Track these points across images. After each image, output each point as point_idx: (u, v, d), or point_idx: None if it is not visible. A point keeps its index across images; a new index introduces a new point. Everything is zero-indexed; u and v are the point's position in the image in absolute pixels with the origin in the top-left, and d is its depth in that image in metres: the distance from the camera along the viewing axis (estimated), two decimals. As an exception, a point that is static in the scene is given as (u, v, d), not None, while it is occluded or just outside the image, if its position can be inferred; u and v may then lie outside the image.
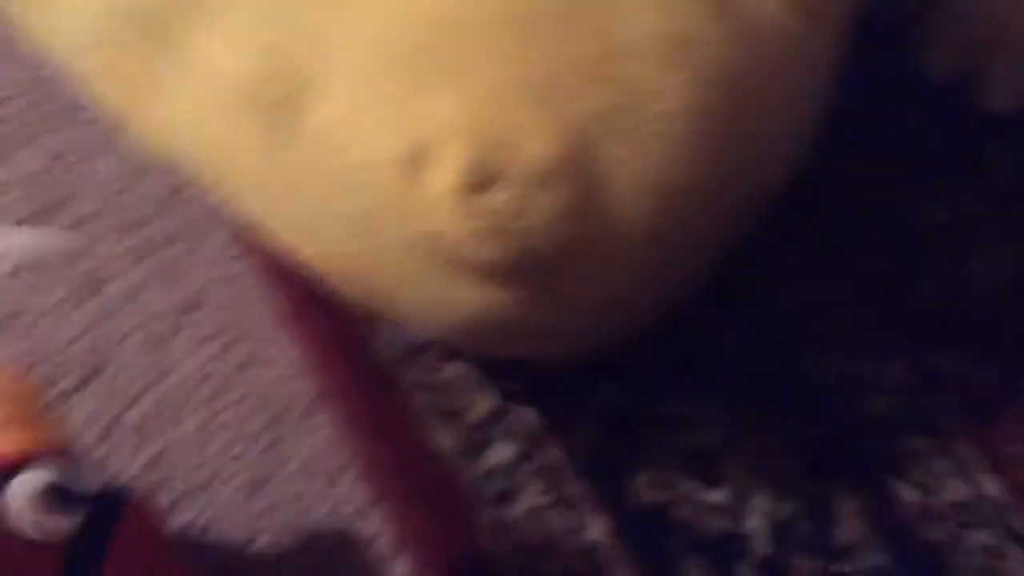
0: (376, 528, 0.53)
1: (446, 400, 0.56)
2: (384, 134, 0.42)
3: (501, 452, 0.55)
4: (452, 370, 0.57)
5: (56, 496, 0.41)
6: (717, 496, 0.54)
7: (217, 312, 0.59)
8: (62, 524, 0.41)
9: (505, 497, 0.54)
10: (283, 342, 0.58)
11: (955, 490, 0.54)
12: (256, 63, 0.43)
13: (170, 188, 0.64)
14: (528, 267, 0.43)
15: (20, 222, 0.64)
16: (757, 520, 0.53)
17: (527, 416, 0.56)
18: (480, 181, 0.41)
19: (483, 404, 0.56)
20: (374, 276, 0.47)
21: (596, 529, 0.53)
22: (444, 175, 0.41)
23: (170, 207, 0.63)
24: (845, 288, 0.58)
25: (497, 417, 0.56)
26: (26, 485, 0.41)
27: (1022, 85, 0.60)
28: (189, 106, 0.47)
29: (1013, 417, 0.55)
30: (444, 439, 0.55)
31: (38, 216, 0.64)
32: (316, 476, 0.54)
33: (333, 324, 0.58)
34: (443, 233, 0.42)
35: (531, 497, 0.54)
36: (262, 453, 0.55)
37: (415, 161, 0.42)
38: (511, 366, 0.56)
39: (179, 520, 0.54)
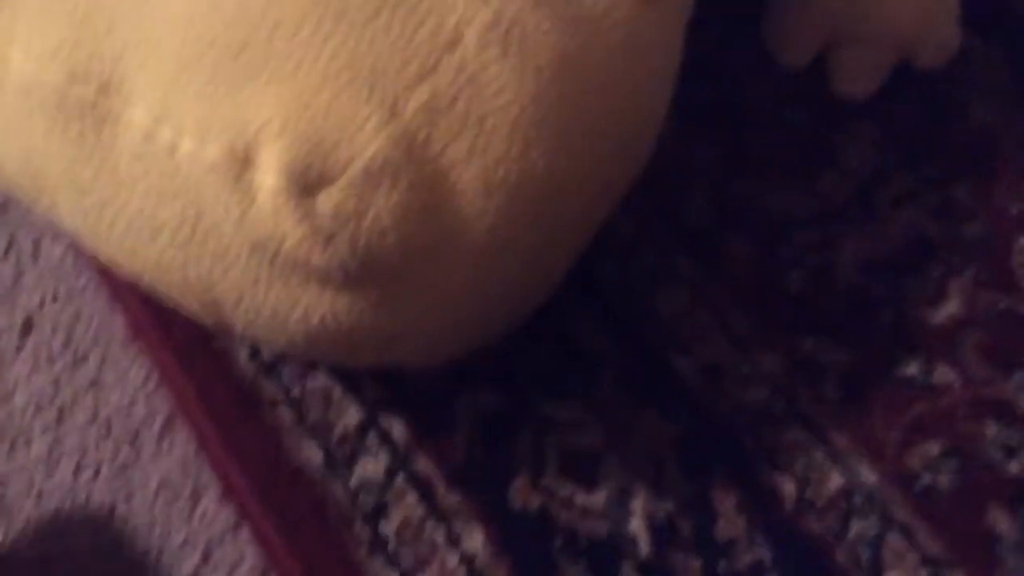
0: (239, 552, 0.50)
1: (310, 414, 0.53)
2: (200, 137, 0.39)
3: (371, 465, 0.52)
4: (314, 382, 0.54)
5: None
6: (597, 499, 0.52)
7: (59, 331, 0.55)
8: None
9: (379, 511, 0.51)
10: (131, 360, 0.54)
11: (833, 480, 0.54)
12: (54, 67, 0.40)
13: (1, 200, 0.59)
14: (368, 272, 0.40)
15: None
16: (638, 521, 0.52)
17: (396, 426, 0.53)
18: (307, 182, 0.39)
19: (350, 416, 0.53)
20: (207, 287, 0.43)
21: (474, 539, 0.51)
22: (268, 177, 0.38)
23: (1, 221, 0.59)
24: (713, 280, 0.58)
25: (365, 429, 0.53)
26: None
27: (871, 72, 0.61)
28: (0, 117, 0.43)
29: (885, 403, 0.56)
30: (311, 454, 0.52)
31: None
32: (173, 500, 0.51)
33: (182, 339, 0.55)
34: (273, 239, 0.39)
35: (405, 510, 0.51)
36: (114, 478, 0.51)
37: (235, 164, 0.39)
38: (376, 375, 0.54)
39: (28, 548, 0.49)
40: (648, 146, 0.47)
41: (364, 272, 0.40)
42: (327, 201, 0.39)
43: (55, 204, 0.45)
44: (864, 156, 0.61)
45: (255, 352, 0.54)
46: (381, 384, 0.53)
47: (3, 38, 0.42)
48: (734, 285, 0.58)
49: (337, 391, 0.53)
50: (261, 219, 0.39)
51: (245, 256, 0.41)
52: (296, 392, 0.53)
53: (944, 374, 0.56)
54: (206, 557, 0.49)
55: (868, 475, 0.53)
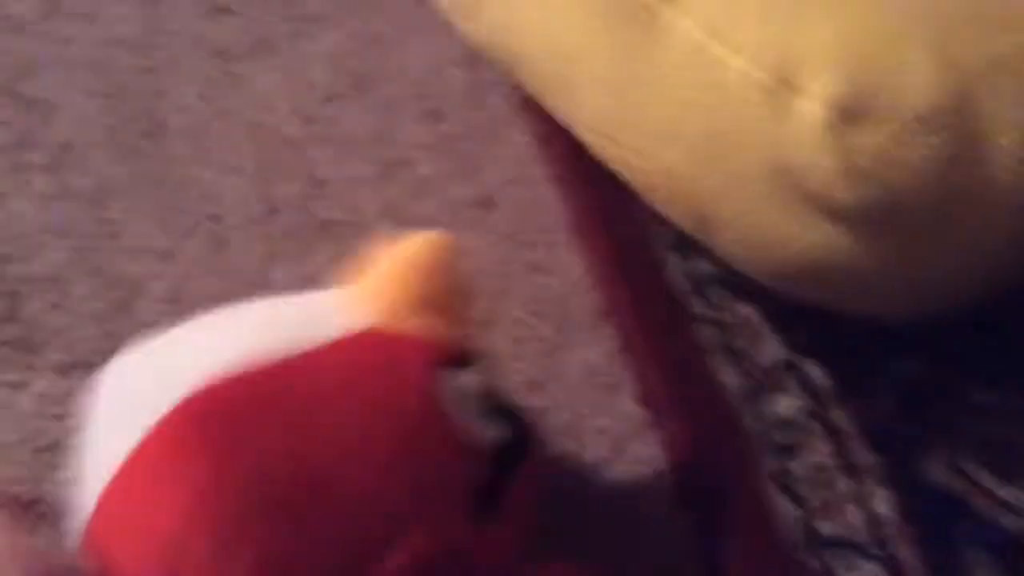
0: (649, 451, 0.52)
1: (735, 340, 0.55)
2: (751, 57, 0.40)
3: (788, 403, 0.53)
4: (741, 310, 0.55)
5: (487, 403, 0.39)
6: (1009, 493, 0.51)
7: (511, 212, 0.59)
8: (486, 433, 0.38)
9: (789, 450, 0.52)
10: (573, 251, 0.58)
11: None
12: None
13: (475, 82, 0.64)
14: (890, 218, 0.40)
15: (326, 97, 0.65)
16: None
17: (815, 372, 0.54)
18: (854, 117, 0.39)
19: (774, 352, 0.54)
20: (713, 202, 0.45)
21: (882, 502, 0.51)
22: (813, 105, 0.39)
23: (474, 101, 0.63)
24: None
25: (785, 367, 0.54)
26: (466, 384, 0.38)
27: None
28: (538, 8, 0.46)
29: None
30: (729, 379, 0.54)
31: (343, 93, 0.66)
32: (594, 388, 0.54)
33: (622, 243, 0.58)
34: (802, 167, 0.40)
35: (816, 455, 0.52)
36: (543, 357, 0.55)
37: (780, 86, 0.40)
38: (801, 317, 0.54)
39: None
40: None
41: (886, 217, 0.40)
42: (870, 140, 0.39)
43: (576, 98, 0.48)
44: None
45: (688, 269, 0.56)
46: (808, 329, 0.54)
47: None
48: None
49: (765, 325, 0.54)
50: (794, 145, 0.40)
51: (762, 180, 0.42)
52: (726, 316, 0.55)
53: None
54: (617, 448, 0.52)
55: None
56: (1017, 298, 0.52)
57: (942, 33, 0.39)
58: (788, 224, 0.42)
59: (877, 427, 0.52)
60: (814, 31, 0.40)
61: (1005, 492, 0.50)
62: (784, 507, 0.50)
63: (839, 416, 0.53)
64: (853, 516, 0.50)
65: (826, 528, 0.50)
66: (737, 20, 0.41)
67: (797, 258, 0.43)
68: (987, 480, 0.51)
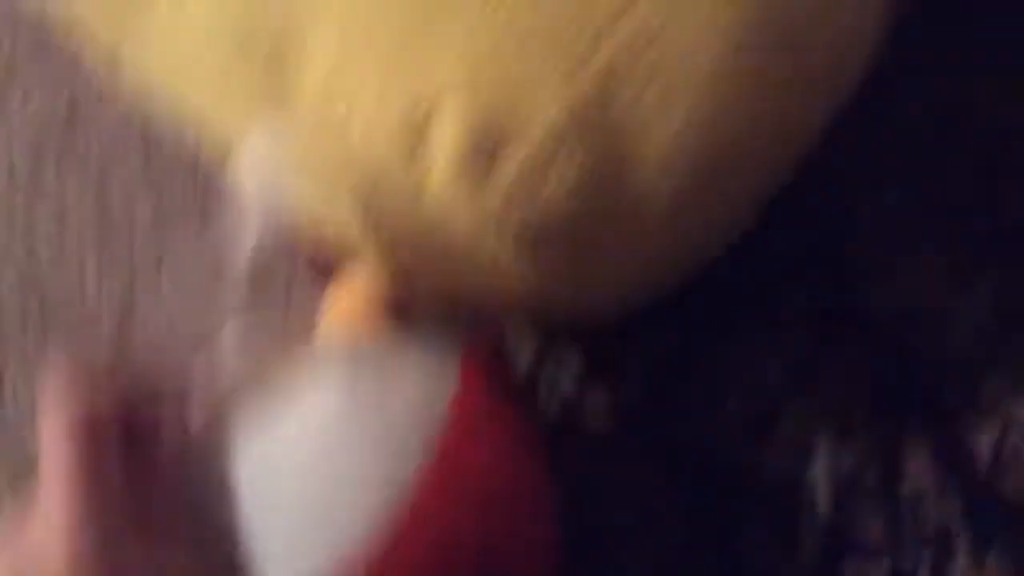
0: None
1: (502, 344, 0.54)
2: (377, 97, 0.37)
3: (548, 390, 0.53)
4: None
5: None
6: (776, 446, 0.51)
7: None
8: None
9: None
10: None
11: (1038, 436, 0.50)
12: (236, 17, 0.38)
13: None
14: (545, 236, 0.39)
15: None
16: (819, 472, 0.50)
17: (573, 362, 0.53)
18: (486, 146, 0.37)
19: (525, 354, 0.53)
20: (392, 254, 0.43)
21: (647, 479, 0.51)
22: (445, 141, 0.37)
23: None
24: (911, 210, 0.53)
25: (541, 363, 0.53)
26: None
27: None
28: (183, 57, 0.43)
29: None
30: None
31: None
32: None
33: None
34: (452, 202, 0.38)
35: (578, 459, 0.52)
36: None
37: (414, 126, 0.37)
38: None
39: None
40: (849, 85, 0.42)
41: (541, 236, 0.39)
42: (506, 165, 0.37)
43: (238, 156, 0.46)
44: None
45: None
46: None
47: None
48: (937, 213, 0.52)
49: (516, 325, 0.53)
50: (440, 183, 0.38)
51: (423, 225, 0.40)
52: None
53: None
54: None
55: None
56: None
57: (555, 47, 0.37)
58: (458, 263, 0.41)
59: (632, 407, 0.52)
60: (433, 70, 0.38)
61: (765, 446, 0.51)
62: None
63: (600, 401, 0.52)
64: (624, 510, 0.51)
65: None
66: (354, 71, 0.39)
67: (479, 292, 0.42)
68: (744, 435, 0.51)
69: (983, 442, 0.50)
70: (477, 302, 0.44)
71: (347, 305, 0.44)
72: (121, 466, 0.36)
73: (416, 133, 0.38)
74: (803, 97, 0.40)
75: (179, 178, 0.61)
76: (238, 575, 0.36)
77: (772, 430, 0.51)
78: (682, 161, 0.38)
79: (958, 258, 0.51)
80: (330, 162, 0.40)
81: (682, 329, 0.52)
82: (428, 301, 0.45)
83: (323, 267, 0.49)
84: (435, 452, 0.37)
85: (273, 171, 0.35)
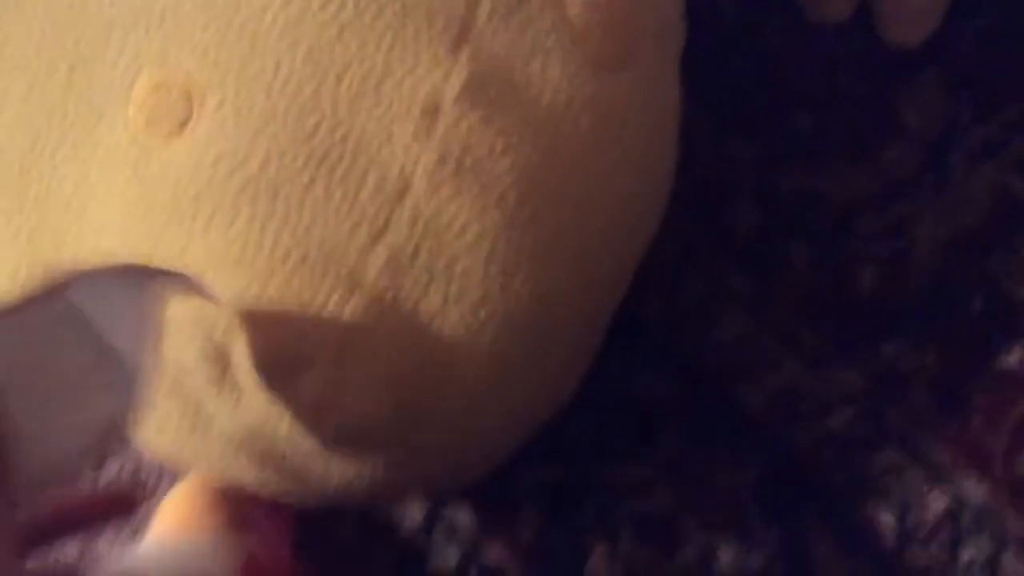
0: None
1: (375, 517, 0.53)
2: (175, 341, 0.37)
3: (442, 561, 0.51)
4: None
5: None
6: (680, 563, 0.50)
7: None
8: None
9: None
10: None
11: (936, 503, 0.49)
12: (15, 289, 0.38)
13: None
14: (367, 440, 0.38)
15: None
16: (725, 580, 0.49)
17: (461, 516, 0.52)
18: (283, 372, 0.36)
19: (414, 514, 0.52)
20: (222, 468, 0.42)
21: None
22: (246, 375, 0.37)
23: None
24: (773, 295, 0.52)
25: (431, 524, 0.52)
26: None
27: (926, 9, 0.52)
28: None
29: (986, 404, 0.50)
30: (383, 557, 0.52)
31: None
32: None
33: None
34: (268, 425, 0.38)
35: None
36: None
37: (216, 364, 0.37)
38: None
39: None
40: (655, 219, 0.42)
41: (363, 441, 0.38)
42: (308, 386, 0.37)
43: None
44: (930, 114, 0.53)
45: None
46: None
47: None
48: (797, 296, 0.52)
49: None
50: (252, 410, 0.38)
51: (248, 443, 0.39)
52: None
53: (1053, 358, 0.49)
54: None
55: (975, 491, 0.48)
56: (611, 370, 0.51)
57: (331, 259, 0.36)
58: (295, 467, 0.40)
59: (531, 546, 0.51)
60: (220, 289, 0.37)
61: (665, 565, 0.50)
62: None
63: (496, 551, 0.51)
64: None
65: None
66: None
67: (324, 487, 0.41)
68: (647, 558, 0.50)
69: (885, 520, 0.49)
70: (327, 495, 0.43)
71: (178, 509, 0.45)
72: None
73: (219, 362, 0.38)
74: (602, 242, 0.40)
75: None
76: None
77: (672, 548, 0.50)
78: (485, 334, 0.38)
79: (826, 338, 0.51)
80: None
81: (568, 460, 0.52)
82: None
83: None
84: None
85: None
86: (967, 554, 0.48)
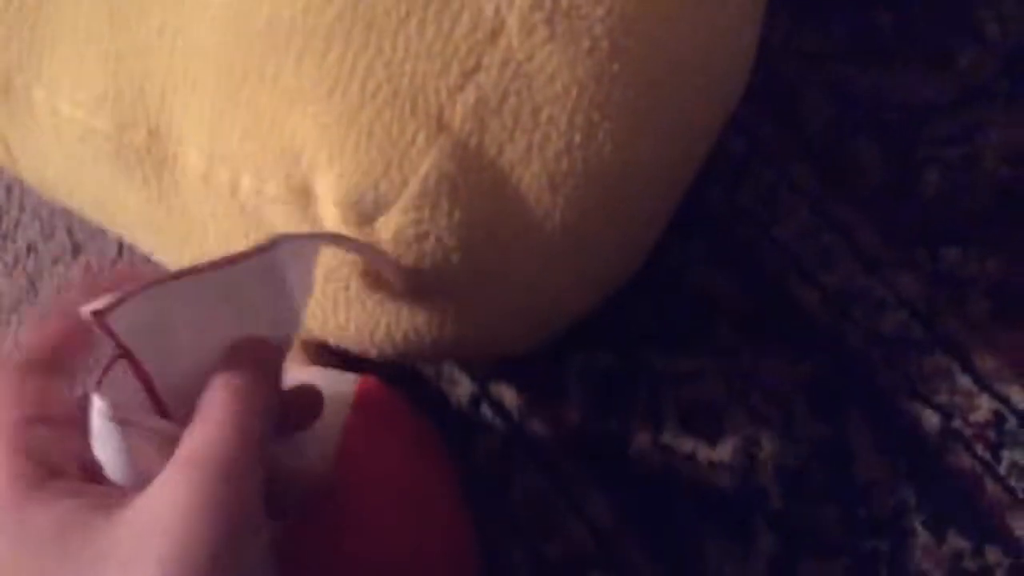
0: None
1: (423, 389, 0.53)
2: (256, 174, 0.37)
3: (488, 437, 0.52)
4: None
5: None
6: (722, 452, 0.50)
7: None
8: None
9: (503, 482, 0.52)
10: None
11: (982, 408, 0.49)
12: (102, 116, 0.38)
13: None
14: (438, 289, 0.38)
15: None
16: (767, 472, 0.50)
17: (507, 395, 0.52)
18: (364, 210, 0.36)
19: (463, 389, 0.53)
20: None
21: (597, 506, 0.50)
22: (327, 208, 0.37)
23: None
24: (837, 194, 0.52)
25: (478, 402, 0.53)
26: None
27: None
28: (63, 162, 0.43)
29: (1043, 316, 0.50)
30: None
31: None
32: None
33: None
34: (343, 266, 0.38)
35: (526, 478, 0.51)
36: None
37: (299, 197, 0.37)
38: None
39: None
40: (734, 100, 0.42)
41: (435, 290, 0.38)
42: (387, 227, 0.37)
43: (137, 241, 0.45)
44: (1010, 25, 0.53)
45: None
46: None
47: (50, 89, 0.41)
48: (861, 197, 0.52)
49: (446, 365, 0.53)
50: (332, 250, 0.38)
51: (321, 284, 0.40)
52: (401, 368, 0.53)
53: (1113, 275, 0.49)
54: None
55: (1021, 398, 0.49)
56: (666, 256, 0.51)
57: (420, 96, 0.36)
58: (363, 315, 0.40)
59: (575, 429, 0.51)
60: (304, 133, 0.37)
61: (707, 454, 0.50)
62: (507, 540, 0.50)
63: (540, 430, 0.52)
64: (578, 531, 0.50)
65: (553, 553, 0.50)
66: (230, 140, 0.38)
67: (389, 340, 0.41)
68: (690, 446, 0.50)
69: (929, 422, 0.49)
70: (395, 347, 0.43)
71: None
72: None
73: (303, 195, 0.38)
74: (687, 108, 0.40)
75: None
76: None
77: (717, 436, 0.50)
78: (565, 188, 0.38)
79: (887, 240, 0.51)
80: (224, 228, 0.40)
81: (618, 346, 0.52)
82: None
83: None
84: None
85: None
86: (1008, 458, 0.48)
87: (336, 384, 0.44)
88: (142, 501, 0.26)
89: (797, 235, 0.52)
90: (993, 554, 0.47)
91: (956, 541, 0.47)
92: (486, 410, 0.52)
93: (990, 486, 0.48)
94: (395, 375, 0.51)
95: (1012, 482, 0.48)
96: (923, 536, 0.48)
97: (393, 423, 0.46)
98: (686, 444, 0.50)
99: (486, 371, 0.52)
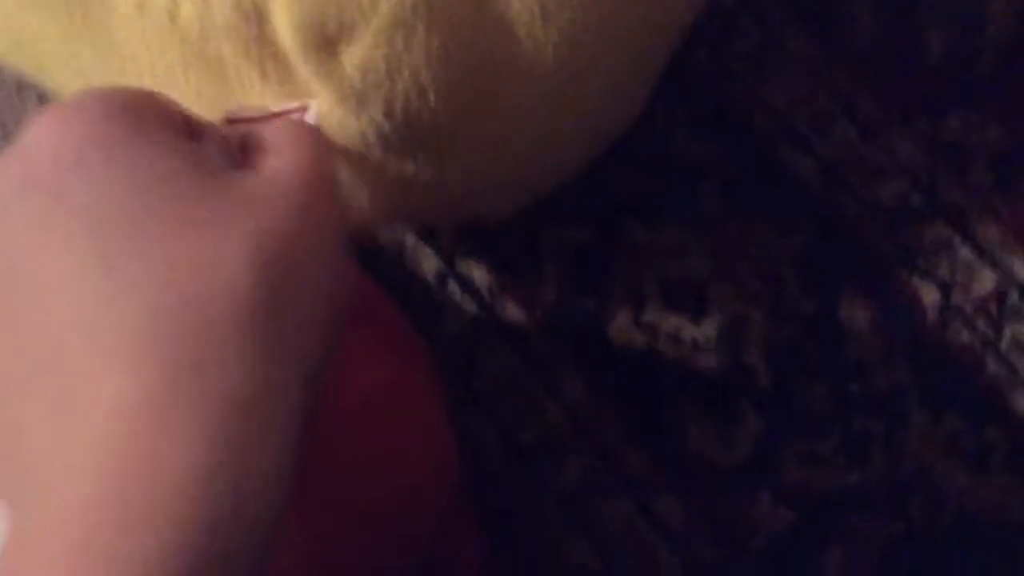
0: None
1: (388, 269, 0.49)
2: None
3: (456, 317, 0.48)
4: (393, 234, 0.49)
5: None
6: (707, 330, 0.47)
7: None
8: None
9: (471, 365, 0.48)
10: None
11: (983, 281, 0.47)
12: None
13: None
14: (414, 135, 0.34)
15: None
16: (755, 350, 0.47)
17: (477, 272, 0.48)
18: (326, 38, 0.31)
19: (428, 265, 0.48)
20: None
21: (575, 388, 0.47)
22: (285, 36, 0.31)
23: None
24: (833, 55, 0.48)
25: (444, 279, 0.48)
26: None
27: None
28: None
29: (1049, 184, 0.47)
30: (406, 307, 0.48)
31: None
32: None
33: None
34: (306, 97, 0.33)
35: (499, 362, 0.47)
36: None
37: (250, 24, 0.32)
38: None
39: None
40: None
41: (410, 135, 0.34)
42: (352, 58, 0.32)
43: (61, 86, 0.40)
44: None
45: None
46: (461, 232, 0.48)
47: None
48: (860, 60, 0.48)
49: (410, 239, 0.48)
50: (291, 85, 0.33)
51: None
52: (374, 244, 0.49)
53: (1122, 140, 0.46)
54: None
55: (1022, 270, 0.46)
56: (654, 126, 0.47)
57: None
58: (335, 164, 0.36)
59: (551, 308, 0.48)
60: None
61: (692, 332, 0.47)
62: (479, 423, 0.47)
63: (513, 311, 0.48)
64: (554, 414, 0.47)
65: (528, 437, 0.47)
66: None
67: (365, 192, 0.36)
68: (673, 325, 0.47)
69: (929, 295, 0.46)
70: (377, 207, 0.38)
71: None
72: None
73: (255, 22, 0.32)
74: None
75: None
76: None
77: (701, 314, 0.47)
78: (559, 17, 0.33)
79: (887, 102, 0.47)
80: (162, 64, 0.34)
81: (596, 220, 0.48)
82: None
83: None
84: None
85: None
86: (1011, 334, 0.46)
87: None
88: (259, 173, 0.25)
89: (789, 100, 0.48)
90: (993, 434, 0.45)
91: (954, 421, 0.45)
92: (454, 287, 0.48)
93: (991, 364, 0.45)
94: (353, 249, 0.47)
95: (1013, 359, 0.45)
96: (919, 416, 0.45)
97: (372, 322, 0.42)
98: (669, 322, 0.47)
99: (453, 246, 0.48)
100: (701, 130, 0.48)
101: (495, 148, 0.36)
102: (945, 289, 0.46)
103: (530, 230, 0.48)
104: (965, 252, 0.46)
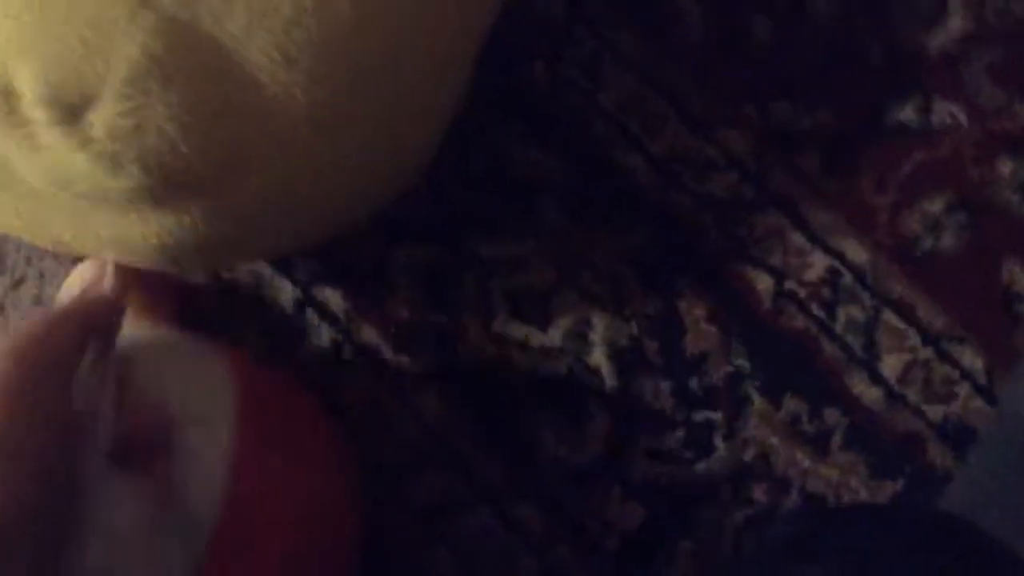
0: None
1: (244, 300, 0.51)
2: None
3: (316, 342, 0.50)
4: (250, 266, 0.51)
5: None
6: (553, 336, 0.48)
7: None
8: None
9: (335, 386, 0.49)
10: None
11: (816, 265, 0.47)
12: None
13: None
14: (175, 189, 0.35)
15: None
16: (599, 351, 0.48)
17: (333, 298, 0.50)
18: (70, 105, 0.33)
19: (285, 296, 0.50)
20: (41, 226, 0.39)
21: (431, 403, 0.48)
22: (32, 109, 0.33)
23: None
24: (662, 53, 0.49)
25: (302, 307, 0.50)
26: None
27: None
28: None
29: (875, 162, 0.47)
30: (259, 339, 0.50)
31: None
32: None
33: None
34: (67, 173, 0.35)
35: (359, 383, 0.49)
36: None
37: (2, 92, 0.34)
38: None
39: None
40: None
41: (175, 189, 0.36)
42: (100, 122, 0.33)
43: None
44: None
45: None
46: (309, 258, 0.50)
47: None
48: (686, 54, 0.49)
49: (267, 270, 0.50)
50: (48, 154, 0.35)
51: (53, 195, 0.37)
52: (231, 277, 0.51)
53: (945, 112, 0.47)
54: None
55: (856, 252, 0.47)
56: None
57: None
58: (110, 224, 0.37)
59: (404, 326, 0.49)
60: (9, 34, 0.34)
61: (539, 339, 0.48)
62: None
63: (368, 332, 0.49)
64: (411, 431, 0.48)
65: (387, 455, 0.48)
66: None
67: (146, 247, 0.38)
68: (521, 334, 0.48)
69: (762, 284, 0.47)
70: (161, 255, 0.40)
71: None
72: None
73: (5, 96, 0.34)
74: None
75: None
76: None
77: (547, 322, 0.48)
78: (303, 60, 0.34)
79: (715, 95, 0.48)
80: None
81: (443, 238, 0.49)
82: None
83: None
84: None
85: None
86: (845, 316, 0.46)
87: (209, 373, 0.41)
88: None
89: (622, 101, 0.49)
90: (832, 415, 0.46)
91: (793, 405, 0.46)
92: (312, 315, 0.50)
93: (827, 346, 0.46)
94: (211, 286, 0.49)
95: (849, 340, 0.46)
96: (759, 402, 0.46)
97: (281, 418, 0.42)
98: (518, 331, 0.48)
99: (308, 275, 0.50)
100: (538, 141, 0.49)
101: (268, 196, 0.37)
102: (778, 276, 0.47)
103: (380, 251, 0.49)
104: (797, 238, 0.47)
